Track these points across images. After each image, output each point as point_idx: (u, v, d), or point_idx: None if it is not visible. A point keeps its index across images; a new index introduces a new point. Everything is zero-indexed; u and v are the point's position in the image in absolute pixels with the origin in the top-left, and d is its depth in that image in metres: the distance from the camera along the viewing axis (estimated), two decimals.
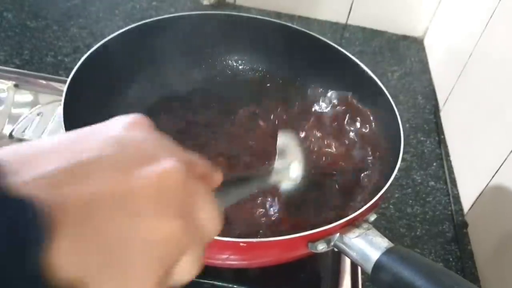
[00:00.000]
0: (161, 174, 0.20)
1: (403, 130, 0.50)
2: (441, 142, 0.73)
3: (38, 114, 0.65)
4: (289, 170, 0.40)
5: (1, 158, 0.17)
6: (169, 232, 0.20)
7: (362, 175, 0.56)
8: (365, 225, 0.42)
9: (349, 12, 0.92)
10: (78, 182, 0.18)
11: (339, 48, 0.60)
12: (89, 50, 0.53)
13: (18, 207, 0.16)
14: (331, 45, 0.61)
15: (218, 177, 0.26)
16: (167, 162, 0.21)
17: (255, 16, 0.65)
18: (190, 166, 0.22)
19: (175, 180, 0.21)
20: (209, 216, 0.22)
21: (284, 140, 0.41)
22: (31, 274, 0.16)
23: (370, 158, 0.57)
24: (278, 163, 0.39)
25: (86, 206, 0.18)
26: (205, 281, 0.49)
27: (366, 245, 0.40)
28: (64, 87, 0.48)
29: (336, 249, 0.42)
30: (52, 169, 0.18)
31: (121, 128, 0.22)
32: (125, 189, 0.19)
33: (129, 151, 0.20)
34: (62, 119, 0.45)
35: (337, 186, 0.56)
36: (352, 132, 0.60)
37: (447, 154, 0.71)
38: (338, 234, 0.41)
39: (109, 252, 0.18)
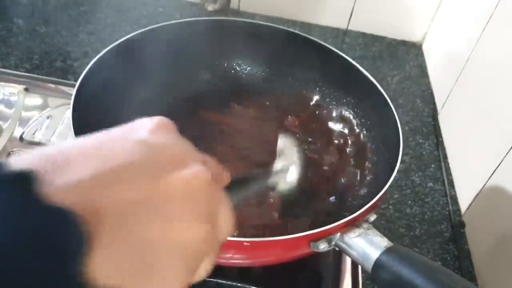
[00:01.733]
0: (191, 179, 0.20)
1: (402, 133, 0.51)
2: (439, 144, 0.73)
3: (47, 117, 0.66)
4: (287, 172, 0.40)
5: (32, 166, 0.16)
6: (198, 236, 0.20)
7: (361, 174, 0.57)
8: (365, 225, 0.42)
9: (350, 18, 0.92)
10: (111, 188, 0.18)
11: (340, 53, 0.61)
12: (97, 55, 0.53)
13: (55, 215, 0.15)
14: (332, 50, 0.61)
15: (227, 177, 0.26)
16: (196, 167, 0.21)
17: (258, 21, 0.65)
18: (211, 169, 0.22)
19: (204, 184, 0.21)
20: (227, 219, 0.23)
21: (284, 142, 0.42)
22: (71, 283, 0.16)
23: (370, 159, 0.58)
24: (277, 165, 0.40)
25: (120, 213, 0.17)
26: (210, 279, 0.49)
27: (366, 245, 0.40)
28: (73, 91, 0.49)
29: (337, 249, 0.42)
30: (84, 176, 0.17)
31: (147, 131, 0.22)
32: (158, 194, 0.19)
33: (158, 156, 0.20)
34: (71, 122, 0.46)
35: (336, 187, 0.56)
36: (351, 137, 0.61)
37: (445, 156, 0.71)
38: (339, 234, 0.41)
39: (144, 258, 0.18)
